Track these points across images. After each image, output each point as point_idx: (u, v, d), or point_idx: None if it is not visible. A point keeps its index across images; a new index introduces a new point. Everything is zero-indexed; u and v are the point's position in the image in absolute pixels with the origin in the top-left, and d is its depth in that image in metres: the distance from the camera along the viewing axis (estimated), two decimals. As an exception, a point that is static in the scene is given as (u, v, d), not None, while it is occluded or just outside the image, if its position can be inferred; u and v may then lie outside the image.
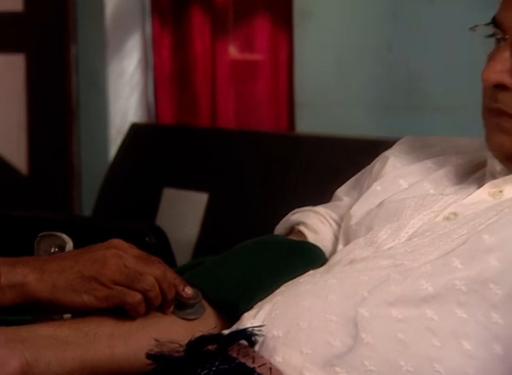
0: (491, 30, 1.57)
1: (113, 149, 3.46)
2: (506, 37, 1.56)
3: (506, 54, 1.55)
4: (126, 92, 3.44)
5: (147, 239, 2.46)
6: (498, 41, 1.58)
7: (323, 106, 3.06)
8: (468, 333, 1.46)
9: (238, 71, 3.37)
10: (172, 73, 3.46)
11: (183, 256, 2.53)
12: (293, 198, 2.61)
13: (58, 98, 3.38)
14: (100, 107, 3.39)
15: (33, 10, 3.37)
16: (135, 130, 3.09)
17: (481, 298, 1.46)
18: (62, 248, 1.95)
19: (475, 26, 1.59)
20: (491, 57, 1.56)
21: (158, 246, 2.45)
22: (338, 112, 3.01)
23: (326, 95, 3.03)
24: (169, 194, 2.80)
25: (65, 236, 1.95)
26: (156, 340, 1.55)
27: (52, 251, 1.97)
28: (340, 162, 2.67)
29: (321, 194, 2.43)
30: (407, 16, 2.80)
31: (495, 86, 1.55)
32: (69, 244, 1.94)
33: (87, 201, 3.47)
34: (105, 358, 1.57)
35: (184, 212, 2.73)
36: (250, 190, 2.82)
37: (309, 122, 3.09)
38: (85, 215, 3.38)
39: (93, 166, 3.39)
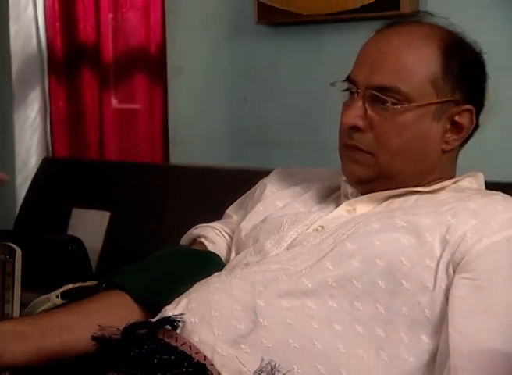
0: (346, 85, 1.67)
1: (19, 177, 3.41)
2: (359, 90, 1.63)
3: (359, 103, 1.62)
4: (29, 133, 3.41)
5: (69, 248, 2.43)
6: (352, 93, 1.65)
7: (192, 143, 2.99)
8: (338, 318, 1.53)
9: (121, 117, 3.31)
10: (66, 119, 3.41)
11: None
12: (170, 215, 2.64)
13: None
14: (9, 145, 3.37)
15: None
16: (46, 162, 3.06)
17: (347, 291, 1.54)
18: (11, 254, 1.95)
19: (335, 82, 1.70)
20: (347, 106, 1.66)
21: (78, 253, 2.43)
22: (204, 147, 2.94)
23: (194, 134, 2.97)
24: (77, 213, 2.79)
25: (13, 245, 1.96)
26: (99, 325, 1.59)
27: (3, 258, 1.97)
28: (207, 188, 2.64)
29: (192, 216, 2.50)
30: (258, 75, 2.77)
31: (350, 127, 1.63)
32: (18, 252, 1.95)
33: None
34: (56, 345, 1.61)
35: (90, 228, 2.70)
36: (141, 210, 2.76)
37: (181, 155, 3.03)
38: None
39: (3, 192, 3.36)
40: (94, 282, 2.17)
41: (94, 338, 1.58)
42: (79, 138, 3.35)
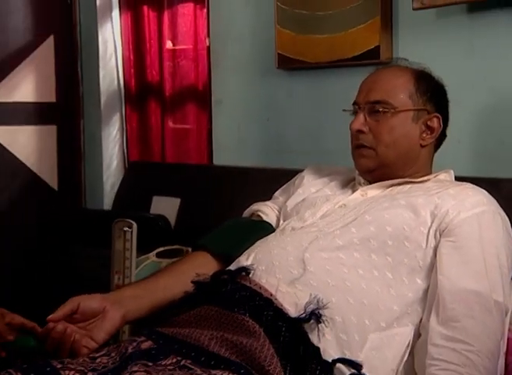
0: (351, 107, 1.73)
1: (105, 177, 3.31)
2: (360, 106, 1.69)
3: (361, 115, 1.68)
4: (111, 145, 3.33)
5: (159, 223, 2.44)
6: (355, 109, 1.71)
7: (229, 151, 2.89)
8: (361, 265, 1.54)
9: (176, 134, 3.20)
10: (138, 135, 3.33)
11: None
12: (217, 201, 2.58)
13: (75, 148, 3.28)
14: (98, 153, 3.32)
15: (61, 101, 3.17)
16: (133, 165, 3.05)
17: (366, 247, 1.55)
18: (129, 226, 1.96)
19: (345, 110, 1.76)
20: (355, 118, 1.70)
21: (165, 227, 2.42)
22: (237, 154, 2.84)
23: (230, 145, 2.88)
24: (156, 200, 2.70)
25: (131, 221, 1.97)
26: (196, 273, 1.63)
27: (125, 229, 1.98)
28: (241, 183, 2.58)
29: (232, 202, 2.50)
30: (278, 104, 2.71)
31: (357, 131, 1.68)
32: (135, 225, 1.95)
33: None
34: (161, 301, 1.62)
35: (166, 211, 2.61)
36: (199, 197, 2.67)
37: (221, 160, 2.92)
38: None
39: (93, 186, 3.35)
40: (177, 246, 2.19)
41: (193, 282, 1.61)
42: (147, 148, 3.30)
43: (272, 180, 2.31)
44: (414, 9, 2.12)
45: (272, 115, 2.69)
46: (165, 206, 2.61)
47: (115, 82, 3.30)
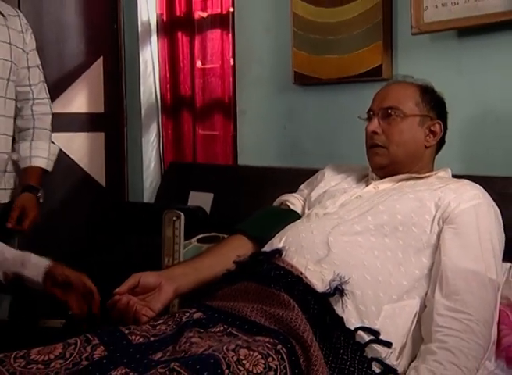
0: (365, 115, 1.74)
1: (144, 176, 3.29)
2: (374, 112, 1.69)
3: (375, 119, 1.68)
4: (150, 149, 3.31)
5: (199, 214, 2.41)
6: (370, 116, 1.71)
7: (251, 153, 2.85)
8: (376, 247, 1.54)
9: (205, 139, 3.15)
10: (172, 140, 3.29)
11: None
12: (243, 195, 2.56)
13: (120, 151, 3.27)
14: (138, 156, 3.31)
15: (108, 111, 3.19)
16: (172, 165, 3.02)
17: (380, 232, 1.55)
18: (178, 217, 1.94)
19: (360, 117, 1.76)
20: (370, 121, 1.70)
21: (203, 216, 2.39)
22: (258, 156, 2.80)
23: (252, 148, 2.84)
24: (193, 195, 2.67)
25: (179, 211, 1.95)
26: (237, 255, 1.64)
27: (174, 219, 1.97)
28: (261, 180, 2.55)
29: (254, 195, 2.48)
30: (293, 114, 2.67)
31: (372, 132, 1.68)
32: (182, 215, 1.94)
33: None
34: (206, 278, 1.63)
35: (201, 204, 2.56)
36: (227, 192, 2.65)
37: (244, 161, 2.87)
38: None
39: (134, 183, 3.36)
40: (213, 233, 2.17)
41: (234, 262, 1.63)
42: (180, 152, 3.29)
43: (288, 177, 2.38)
44: (412, 34, 2.13)
45: (288, 123, 2.68)
46: (201, 200, 2.61)
47: (154, 96, 3.29)
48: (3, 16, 2.03)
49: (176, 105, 3.25)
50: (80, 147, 3.08)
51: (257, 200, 2.37)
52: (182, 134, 3.25)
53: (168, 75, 3.24)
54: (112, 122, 3.21)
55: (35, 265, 1.62)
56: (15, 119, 2.12)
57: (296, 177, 2.22)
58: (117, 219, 2.83)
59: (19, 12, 2.13)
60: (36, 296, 2.00)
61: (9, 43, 2.02)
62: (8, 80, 2.02)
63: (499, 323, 1.53)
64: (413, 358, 1.44)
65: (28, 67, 2.11)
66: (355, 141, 2.25)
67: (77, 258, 2.85)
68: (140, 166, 3.28)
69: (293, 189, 1.99)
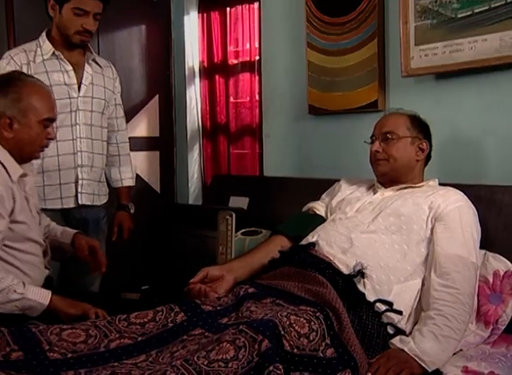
0: (369, 139, 1.73)
1: (189, 185, 3.22)
2: (376, 137, 1.70)
3: (377, 142, 1.69)
4: (193, 164, 3.25)
5: (241, 213, 2.22)
6: (373, 140, 1.71)
7: (274, 166, 2.76)
8: (386, 242, 1.56)
9: (237, 156, 3.06)
10: (211, 158, 3.21)
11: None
12: (271, 200, 2.48)
13: (170, 165, 3.18)
14: (184, 170, 3.26)
15: (162, 135, 3.11)
16: (215, 177, 2.94)
17: (389, 230, 1.57)
18: (230, 216, 1.94)
19: (365, 141, 1.74)
20: (372, 144, 1.70)
21: (243, 215, 2.23)
22: (280, 168, 2.71)
23: (275, 162, 2.75)
24: (233, 199, 2.61)
25: (231, 212, 1.96)
26: (281, 246, 1.68)
27: (227, 217, 1.98)
28: (283, 187, 2.46)
29: (280, 200, 2.44)
30: (307, 136, 2.58)
31: (375, 151, 1.69)
32: (233, 214, 1.95)
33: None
34: (257, 268, 1.64)
35: (239, 205, 2.50)
36: (259, 197, 2.54)
37: (270, 172, 2.76)
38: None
39: (182, 189, 3.25)
40: (254, 228, 2.17)
41: (279, 252, 1.65)
42: (217, 166, 3.23)
43: (302, 185, 2.37)
44: (402, 77, 2.15)
45: (304, 144, 2.64)
46: (239, 203, 2.58)
47: (196, 123, 3.25)
48: (100, 66, 2.10)
49: (213, 130, 3.22)
50: (141, 162, 3.03)
51: (280, 202, 2.44)
52: (218, 153, 3.21)
53: (207, 107, 3.22)
54: (165, 143, 3.17)
55: (67, 233, 1.72)
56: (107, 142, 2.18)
57: (308, 185, 2.31)
58: (167, 216, 2.84)
59: (111, 64, 2.19)
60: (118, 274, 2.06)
61: (104, 86, 2.08)
62: (102, 113, 2.08)
63: (478, 295, 1.59)
64: (416, 323, 1.46)
65: (115, 104, 2.17)
66: (354, 157, 2.32)
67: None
68: (186, 176, 3.24)
69: (306, 194, 1.99)
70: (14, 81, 1.51)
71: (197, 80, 3.21)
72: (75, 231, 1.76)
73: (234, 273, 1.57)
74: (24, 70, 1.86)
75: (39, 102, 1.52)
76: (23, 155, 1.53)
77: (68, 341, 1.22)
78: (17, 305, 1.37)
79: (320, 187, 2.01)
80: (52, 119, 1.57)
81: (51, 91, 1.70)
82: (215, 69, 3.13)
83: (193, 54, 3.16)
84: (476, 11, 1.83)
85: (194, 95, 3.21)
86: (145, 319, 1.32)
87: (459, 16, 1.88)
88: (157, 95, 3.11)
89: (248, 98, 2.98)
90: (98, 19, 1.94)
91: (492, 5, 1.79)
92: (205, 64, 3.16)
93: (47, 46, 1.93)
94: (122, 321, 1.32)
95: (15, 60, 1.89)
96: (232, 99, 3.07)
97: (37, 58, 1.92)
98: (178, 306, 1.37)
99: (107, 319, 1.33)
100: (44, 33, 1.98)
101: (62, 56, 1.96)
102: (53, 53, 1.94)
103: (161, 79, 3.09)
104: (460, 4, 1.87)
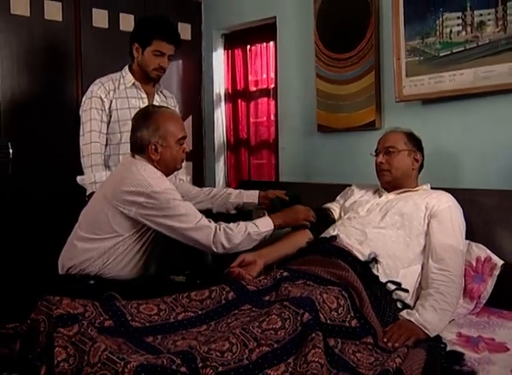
0: (374, 152, 1.73)
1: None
2: (380, 151, 1.71)
3: (381, 155, 1.69)
4: (219, 172, 3.16)
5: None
6: (377, 153, 1.72)
7: (289, 174, 2.69)
8: (393, 235, 1.58)
9: (257, 165, 3.01)
10: (234, 167, 3.17)
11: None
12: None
13: (201, 174, 3.13)
14: (212, 177, 3.21)
15: (194, 149, 2.98)
16: (241, 182, 2.81)
17: (395, 226, 1.59)
18: (264, 213, 1.94)
19: (371, 154, 1.74)
20: (377, 156, 1.70)
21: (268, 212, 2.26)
22: (293, 176, 2.66)
23: (289, 171, 2.71)
24: None
25: (264, 209, 1.95)
26: (309, 237, 1.69)
27: (261, 215, 1.94)
28: (298, 190, 2.31)
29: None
30: (316, 150, 2.56)
31: (380, 163, 1.70)
32: (266, 211, 1.93)
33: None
34: (284, 253, 1.65)
35: None
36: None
37: (285, 178, 2.70)
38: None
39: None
40: None
41: (307, 242, 1.67)
42: (239, 174, 3.22)
43: (312, 189, 2.30)
44: (396, 102, 2.20)
45: (313, 156, 2.62)
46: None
47: (222, 139, 3.22)
48: (165, 96, 2.21)
49: (236, 144, 3.19)
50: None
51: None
52: (240, 163, 3.18)
53: (231, 126, 3.19)
54: (197, 155, 3.14)
55: (249, 193, 1.84)
56: None
57: (316, 189, 2.27)
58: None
59: (173, 95, 2.28)
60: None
61: None
62: None
63: (465, 276, 1.63)
64: (417, 299, 1.51)
65: None
66: (354, 167, 2.36)
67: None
68: (214, 182, 3.20)
69: (314, 196, 1.96)
70: (150, 114, 1.61)
71: (223, 103, 3.20)
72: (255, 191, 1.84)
73: (264, 259, 1.57)
74: (110, 95, 1.99)
75: (173, 126, 1.61)
76: (169, 170, 1.65)
77: (144, 313, 1.25)
78: (259, 240, 1.56)
79: (326, 191, 2.02)
80: (185, 137, 1.65)
81: (131, 112, 1.84)
82: (237, 95, 3.13)
83: (219, 82, 3.18)
84: (454, 51, 1.91)
85: (221, 116, 3.21)
86: (203, 297, 1.35)
87: (441, 54, 1.96)
88: (190, 116, 3.08)
89: (265, 118, 2.99)
90: (171, 59, 2.07)
91: (467, 47, 1.88)
92: (230, 91, 3.16)
93: (129, 77, 2.08)
94: (185, 298, 1.34)
95: (104, 86, 2.02)
96: (252, 119, 3.07)
97: (120, 86, 2.06)
98: (228, 286, 1.39)
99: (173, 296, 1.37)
100: (126, 67, 2.12)
101: (140, 86, 2.09)
102: (133, 83, 2.08)
103: (193, 103, 3.11)
104: (441, 45, 1.95)
